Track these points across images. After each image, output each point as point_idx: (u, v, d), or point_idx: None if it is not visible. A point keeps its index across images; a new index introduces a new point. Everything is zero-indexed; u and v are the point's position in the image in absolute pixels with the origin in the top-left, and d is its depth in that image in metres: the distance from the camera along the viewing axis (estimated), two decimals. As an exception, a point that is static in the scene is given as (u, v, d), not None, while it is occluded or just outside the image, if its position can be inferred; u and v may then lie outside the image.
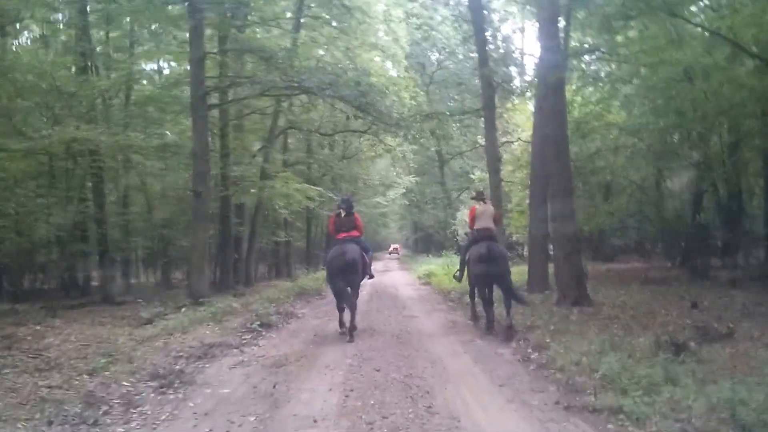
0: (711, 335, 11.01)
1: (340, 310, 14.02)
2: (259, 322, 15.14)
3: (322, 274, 30.47)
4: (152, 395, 8.88)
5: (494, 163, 23.20)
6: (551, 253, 20.01)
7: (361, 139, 36.56)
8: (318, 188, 30.89)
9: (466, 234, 17.60)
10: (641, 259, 35.25)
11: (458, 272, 15.94)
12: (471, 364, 10.48)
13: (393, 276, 37.36)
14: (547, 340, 11.50)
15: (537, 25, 22.56)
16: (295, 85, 20.24)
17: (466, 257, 14.60)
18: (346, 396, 8.54)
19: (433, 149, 45.77)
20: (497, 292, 14.02)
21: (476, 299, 14.99)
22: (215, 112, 25.36)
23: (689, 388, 7.63)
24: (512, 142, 31.00)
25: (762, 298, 15.92)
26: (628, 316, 14.20)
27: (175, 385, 9.36)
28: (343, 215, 14.30)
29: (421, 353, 11.55)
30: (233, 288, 25.00)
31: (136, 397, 8.74)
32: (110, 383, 9.30)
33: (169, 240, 25.48)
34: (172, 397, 8.84)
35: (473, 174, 40.87)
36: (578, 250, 17.54)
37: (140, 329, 14.76)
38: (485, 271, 13.36)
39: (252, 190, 26.75)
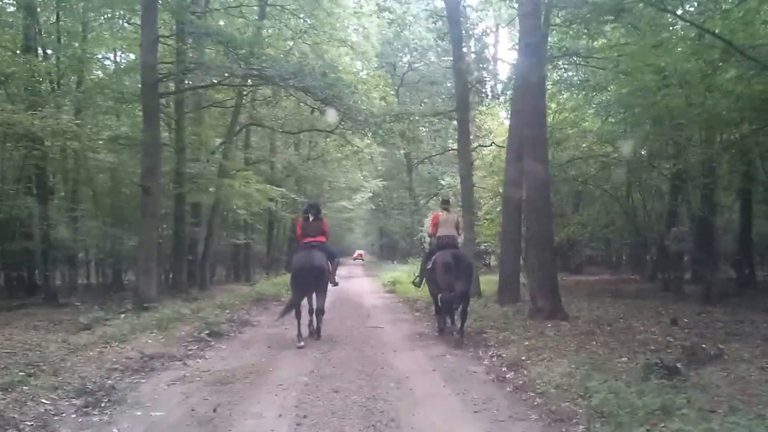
0: (699, 356, 10.05)
1: (298, 316, 13.42)
2: (207, 331, 13.99)
3: (283, 278, 29.75)
4: (73, 416, 7.77)
5: (466, 168, 22.09)
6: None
7: (328, 139, 35.47)
8: (280, 189, 29.75)
9: (429, 244, 16.59)
10: (609, 271, 34.64)
11: (417, 278, 15.63)
12: (441, 385, 9.38)
13: (357, 283, 36.05)
14: (523, 358, 10.67)
15: (516, 21, 21.71)
16: (255, 73, 18.94)
17: (429, 264, 14.18)
18: (298, 424, 7.37)
19: (401, 152, 44.58)
20: None
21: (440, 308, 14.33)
22: (171, 104, 24.16)
23: (690, 419, 6.70)
24: (486, 146, 29.95)
25: (741, 315, 15.30)
26: (605, 332, 13.36)
27: (103, 404, 8.24)
28: (310, 219, 14.10)
29: (386, 370, 10.44)
30: (186, 292, 23.74)
31: (55, 418, 7.67)
32: (27, 400, 8.12)
33: (119, 239, 24.03)
34: (96, 419, 7.70)
35: (443, 180, 39.92)
36: (553, 260, 16.55)
37: (76, 336, 13.40)
38: (451, 278, 12.91)
39: (210, 189, 25.35)
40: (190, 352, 12.19)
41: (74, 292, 24.62)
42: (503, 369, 10.26)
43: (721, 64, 16.93)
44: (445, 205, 14.89)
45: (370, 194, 47.25)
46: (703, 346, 10.59)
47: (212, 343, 13.30)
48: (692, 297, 19.32)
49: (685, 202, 22.90)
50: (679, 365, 8.97)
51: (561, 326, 13.97)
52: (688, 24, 17.56)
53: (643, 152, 23.95)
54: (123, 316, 15.81)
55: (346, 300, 23.95)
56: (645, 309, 16.87)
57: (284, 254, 45.62)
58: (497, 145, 27.86)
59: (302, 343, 12.89)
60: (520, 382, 9.20)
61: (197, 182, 24.61)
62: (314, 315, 13.91)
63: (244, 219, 33.42)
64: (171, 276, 26.12)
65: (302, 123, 33.34)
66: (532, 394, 8.54)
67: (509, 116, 20.70)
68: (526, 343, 11.87)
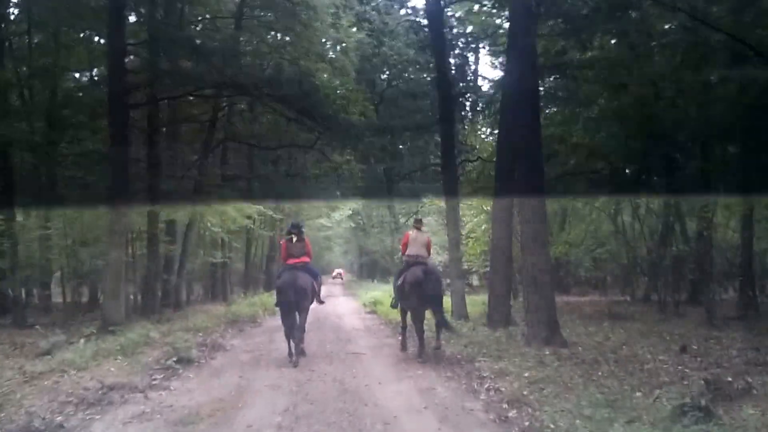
0: (725, 391, 8.89)
1: (289, 338, 13.41)
2: (175, 358, 12.82)
3: (260, 298, 28.52)
4: (7, 463, 6.58)
5: (451, 183, 21.00)
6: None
7: (306, 155, 34.22)
8: (258, 206, 28.50)
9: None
10: (597, 292, 33.44)
11: (394, 300, 15.02)
12: (435, 427, 8.15)
13: (337, 303, 34.68)
14: (525, 393, 9.48)
15: (498, 36, 20.73)
16: (228, 81, 17.73)
17: (399, 282, 14.13)
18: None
19: (382, 168, 43.46)
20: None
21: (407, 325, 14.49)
22: (144, 119, 22.95)
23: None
24: (471, 160, 28.68)
25: (754, 341, 14.08)
26: (610, 361, 12.27)
27: (45, 447, 6.97)
28: (294, 240, 14.10)
29: (371, 408, 9.18)
30: (159, 313, 22.52)
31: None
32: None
33: (90, 258, 22.74)
34: (31, 467, 6.49)
35: (424, 198, 38.75)
36: (551, 281, 15.36)
37: (34, 362, 12.34)
38: (421, 293, 13.07)
39: (184, 206, 24.02)
40: (155, 382, 11.02)
41: (49, 313, 23.56)
42: (504, 406, 9.06)
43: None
44: (417, 224, 15.02)
45: (350, 212, 46.08)
46: (729, 379, 9.42)
47: (180, 371, 12.14)
48: (692, 320, 18.17)
49: (678, 220, 21.86)
50: (702, 401, 7.83)
51: (560, 354, 12.89)
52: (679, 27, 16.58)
53: (633, 169, 23.01)
54: (83, 341, 14.53)
55: (326, 321, 22.74)
56: (647, 334, 15.80)
57: (262, 273, 44.38)
58: (483, 160, 26.65)
59: (293, 360, 12.96)
60: (526, 424, 8.06)
61: (171, 199, 23.29)
62: (295, 333, 13.48)
63: (221, 237, 32.04)
64: (143, 297, 24.68)
65: (281, 139, 32.03)
66: (544, 440, 7.32)
67: (497, 128, 19.49)
68: (526, 374, 10.76)
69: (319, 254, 64.84)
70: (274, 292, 15.78)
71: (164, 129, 24.91)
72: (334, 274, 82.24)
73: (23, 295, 25.15)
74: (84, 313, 22.53)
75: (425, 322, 13.92)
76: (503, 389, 9.92)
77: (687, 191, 20.49)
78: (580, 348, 13.80)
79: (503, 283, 18.46)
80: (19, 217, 22.34)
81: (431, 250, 15.73)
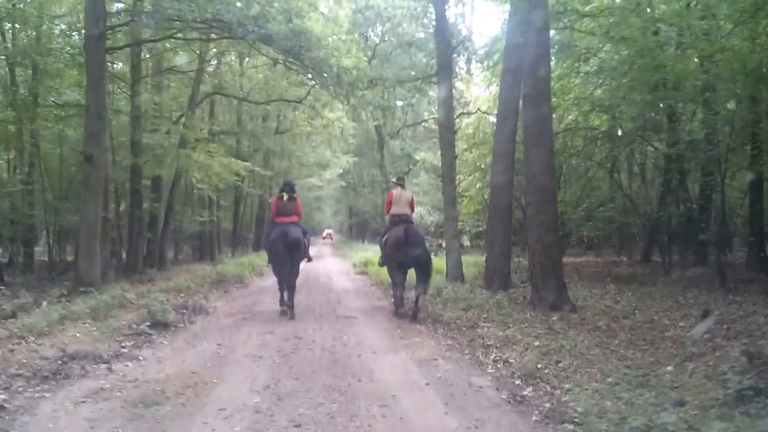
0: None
1: (282, 290, 13.64)
2: (149, 322, 11.43)
3: (249, 259, 27.38)
4: None
5: (448, 137, 19.50)
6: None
7: (296, 111, 32.71)
8: (246, 163, 27.04)
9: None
10: (590, 252, 32.16)
11: (381, 258, 14.92)
12: (442, 411, 6.73)
13: (327, 263, 33.35)
14: (539, 366, 8.23)
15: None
16: (209, 17, 16.14)
17: (383, 240, 14.24)
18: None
19: (374, 124, 42.00)
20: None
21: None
22: (125, 68, 21.44)
23: None
24: (469, 113, 27.10)
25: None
26: (625, 328, 11.06)
27: (-27, 434, 5.76)
28: (285, 199, 13.80)
29: (365, 384, 7.79)
30: (142, 273, 21.22)
31: None
32: None
33: (68, 214, 21.38)
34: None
35: (416, 155, 37.30)
36: (558, 242, 14.03)
37: (-5, 326, 10.87)
38: (403, 253, 13.05)
39: (168, 161, 22.50)
40: (123, 350, 9.64)
41: (32, 272, 22.29)
42: (516, 382, 7.79)
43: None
44: (400, 182, 14.85)
45: (340, 170, 44.58)
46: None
47: (153, 337, 10.79)
48: (700, 282, 16.72)
49: (680, 179, 20.46)
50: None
51: (570, 320, 11.77)
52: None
53: (635, 125, 21.59)
54: (45, 303, 13.10)
55: (315, 282, 21.45)
56: (658, 298, 14.38)
57: (252, 233, 43.01)
58: (482, 113, 25.11)
59: (285, 309, 13.36)
60: (547, 406, 6.74)
61: (154, 153, 21.80)
62: (286, 291, 13.57)
63: (209, 195, 30.59)
64: (126, 256, 23.29)
65: (270, 93, 30.53)
66: (571, 428, 6.04)
67: (501, 77, 17.94)
68: (536, 343, 9.52)
69: (309, 214, 63.64)
70: (263, 252, 15.55)
71: (148, 80, 23.33)
72: (324, 234, 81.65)
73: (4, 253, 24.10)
74: (62, 272, 21.11)
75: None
76: (512, 361, 8.71)
77: (691, 147, 19.13)
78: (589, 313, 12.56)
79: (503, 242, 17.05)
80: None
81: (415, 208, 15.36)
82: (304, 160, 40.22)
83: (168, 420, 6.27)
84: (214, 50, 25.47)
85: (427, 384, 7.75)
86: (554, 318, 11.85)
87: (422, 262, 13.25)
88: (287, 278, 13.38)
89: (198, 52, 23.85)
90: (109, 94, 22.39)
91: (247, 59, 31.55)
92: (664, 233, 20.47)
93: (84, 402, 6.90)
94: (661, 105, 18.72)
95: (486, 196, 26.39)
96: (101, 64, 16.18)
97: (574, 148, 23.19)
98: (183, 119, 24.49)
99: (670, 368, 8.00)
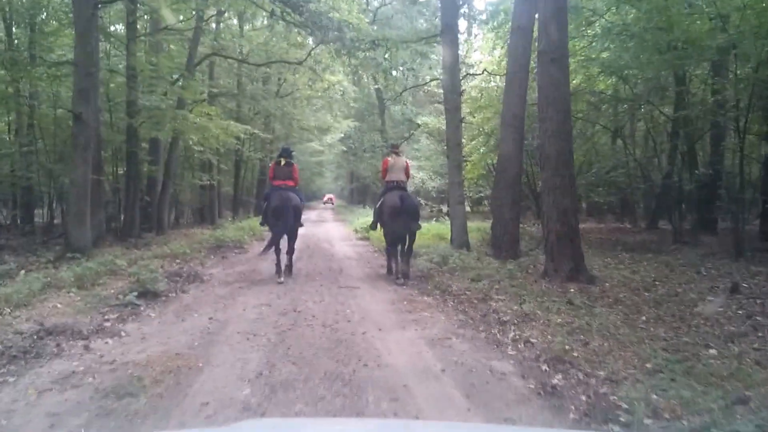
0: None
1: (278, 253, 13.45)
2: (137, 292, 10.40)
3: (249, 223, 26.47)
4: None
5: (453, 99, 18.26)
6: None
7: (297, 74, 31.50)
8: (245, 126, 25.85)
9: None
10: (593, 219, 31.08)
11: (373, 222, 14.88)
12: (463, 405, 5.60)
13: (327, 228, 32.31)
14: (566, 347, 7.19)
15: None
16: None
17: (378, 206, 14.28)
18: None
19: (375, 87, 40.70)
20: None
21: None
22: (120, 27, 20.28)
23: None
24: (476, 74, 25.73)
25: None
26: (649, 302, 9.95)
27: None
28: (282, 164, 13.99)
29: (372, 370, 6.65)
30: (139, 237, 20.15)
31: None
32: None
33: (61, 176, 20.32)
34: None
35: (418, 120, 36.03)
36: (576, 208, 12.88)
37: (-32, 296, 9.83)
38: (398, 220, 13.06)
39: (165, 122, 21.24)
40: (106, 325, 8.61)
41: (32, 233, 21.52)
42: (543, 368, 6.67)
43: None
44: (395, 149, 14.78)
45: (341, 135, 43.33)
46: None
47: (140, 308, 9.82)
48: (714, 250, 15.70)
49: (690, 145, 19.36)
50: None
51: (589, 292, 10.71)
52: None
53: (644, 88, 20.46)
54: (23, 272, 12.02)
55: (316, 248, 20.41)
56: (676, 268, 13.37)
57: (253, 197, 41.91)
58: (489, 73, 23.77)
59: (282, 279, 13.17)
60: (584, 399, 5.65)
61: (151, 114, 20.59)
62: (284, 253, 13.65)
63: (209, 159, 29.38)
64: (122, 219, 22.18)
65: (270, 56, 29.29)
66: (618, 429, 4.98)
67: (509, 35, 16.76)
68: (558, 320, 8.53)
69: (310, 179, 62.88)
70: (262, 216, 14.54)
71: (144, 40, 22.13)
72: (324, 199, 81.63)
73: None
74: (59, 236, 19.94)
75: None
76: (534, 341, 7.65)
77: (702, 111, 18.05)
78: (607, 284, 11.47)
79: (511, 208, 15.94)
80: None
81: (410, 174, 15.11)
82: (305, 123, 38.99)
83: (140, 417, 5.16)
84: (213, 10, 24.26)
85: (443, 370, 6.62)
86: (572, 290, 10.84)
87: (411, 232, 13.27)
88: (283, 241, 13.43)
89: (194, 10, 22.59)
90: (105, 54, 21.33)
91: (247, 24, 30.49)
92: (674, 200, 19.41)
93: (50, 390, 5.86)
94: (672, 67, 17.47)
95: (490, 161, 25.34)
96: (90, 19, 14.94)
97: (580, 111, 21.96)
98: (180, 81, 23.26)
99: (713, 351, 6.96)
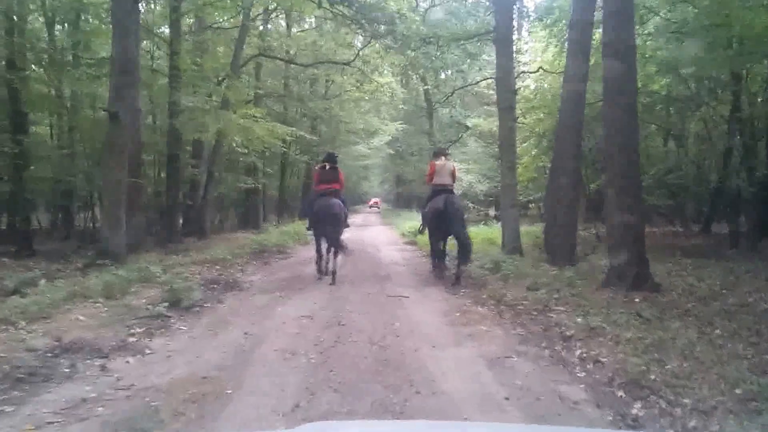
0: None
1: (320, 255, 13.83)
2: (168, 303, 9.57)
3: (293, 227, 25.83)
4: None
5: (508, 98, 17.19)
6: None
7: (344, 76, 30.64)
8: (290, 128, 24.99)
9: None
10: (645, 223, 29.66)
11: (421, 226, 15.47)
12: None
13: (373, 232, 31.38)
14: (642, 367, 6.24)
15: None
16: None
17: (426, 210, 14.27)
18: None
19: (424, 88, 39.68)
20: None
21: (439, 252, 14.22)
22: (166, 29, 19.62)
23: None
24: (530, 72, 24.58)
25: None
26: (720, 312, 8.90)
27: None
28: (327, 168, 14.04)
29: (426, 398, 5.62)
30: (180, 242, 19.45)
31: None
32: None
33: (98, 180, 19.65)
34: None
35: (468, 122, 34.92)
36: (641, 210, 11.74)
37: (-8, 305, 9.04)
38: (441, 223, 13.11)
39: (208, 124, 20.37)
40: (130, 340, 7.76)
41: (69, 237, 21.10)
42: (619, 394, 5.74)
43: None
44: (443, 153, 14.98)
45: (389, 138, 42.26)
46: None
47: (171, 321, 8.96)
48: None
49: (749, 146, 18.19)
50: None
51: (656, 302, 9.66)
52: None
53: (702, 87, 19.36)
54: (43, 281, 11.00)
55: (361, 253, 19.46)
56: (742, 275, 12.25)
57: (298, 200, 41.10)
58: (545, 71, 22.58)
59: (321, 276, 13.54)
60: None
61: (194, 116, 19.78)
62: (330, 255, 13.65)
63: (253, 162, 28.59)
64: (164, 224, 21.42)
65: (318, 56, 28.44)
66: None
67: (568, 29, 15.70)
68: (628, 335, 7.49)
69: (356, 183, 62.79)
70: (304, 220, 15.34)
71: (189, 39, 21.38)
72: (370, 203, 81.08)
73: (37, 220, 22.51)
74: (94, 242, 19.17)
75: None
76: (604, 360, 6.68)
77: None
78: (673, 293, 10.42)
79: (568, 211, 14.83)
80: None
81: (456, 178, 14.99)
82: (352, 126, 38.18)
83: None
84: (260, 9, 23.50)
85: (507, 398, 5.61)
86: (637, 299, 9.79)
87: (460, 233, 12.94)
88: (331, 245, 13.44)
89: (240, 8, 21.79)
90: (148, 54, 20.67)
91: (295, 26, 29.77)
92: (732, 203, 18.24)
93: (51, 424, 4.98)
94: (731, 65, 16.32)
95: (541, 164, 24.27)
96: (128, 12, 14.22)
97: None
98: (225, 82, 22.45)
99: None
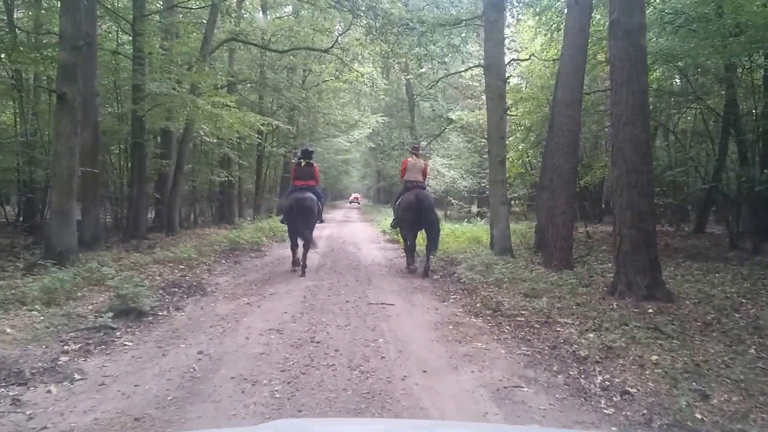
0: None
1: (294, 248, 14.39)
2: (113, 312, 8.19)
3: (269, 223, 25.25)
4: None
5: (497, 86, 15.97)
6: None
7: (323, 65, 29.21)
8: (262, 117, 23.57)
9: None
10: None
11: (394, 220, 15.90)
12: None
13: (353, 229, 29.95)
14: (683, 402, 5.25)
15: None
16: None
17: (396, 204, 14.96)
18: None
19: (406, 78, 38.33)
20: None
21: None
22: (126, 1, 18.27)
23: None
24: (521, 60, 23.18)
25: None
26: (746, 327, 7.90)
27: None
28: (303, 164, 14.40)
29: None
30: (143, 238, 18.02)
31: None
32: None
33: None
34: None
35: (452, 115, 33.67)
36: (653, 210, 10.50)
37: None
38: (413, 214, 13.63)
39: (176, 111, 18.97)
40: (61, 360, 6.48)
41: (32, 232, 19.13)
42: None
43: None
44: (415, 151, 15.18)
45: (369, 130, 40.80)
46: None
47: (116, 335, 7.68)
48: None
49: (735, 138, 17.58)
50: None
51: (672, 314, 8.61)
52: None
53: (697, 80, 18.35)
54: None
55: (341, 252, 18.24)
56: (758, 281, 11.23)
57: (275, 195, 39.65)
58: (538, 58, 21.25)
59: (297, 268, 13.83)
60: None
61: (159, 101, 18.24)
62: (301, 248, 14.06)
63: (226, 154, 27.13)
64: (127, 218, 19.90)
65: (294, 42, 26.93)
66: None
67: (567, 9, 14.47)
68: (653, 356, 6.48)
69: (336, 178, 61.58)
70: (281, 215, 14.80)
71: (156, 20, 19.92)
72: (350, 198, 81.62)
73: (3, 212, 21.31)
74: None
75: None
76: (632, 390, 5.59)
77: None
78: (689, 303, 9.32)
79: (565, 210, 13.59)
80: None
81: (428, 175, 15.58)
82: (331, 118, 36.56)
83: None
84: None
85: (526, 452, 4.36)
86: (650, 310, 8.73)
87: (430, 224, 13.64)
88: (302, 238, 13.71)
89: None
90: (108, 33, 19.41)
91: (270, 12, 28.45)
92: (731, 202, 17.20)
93: None
94: (721, 56, 15.22)
95: (527, 159, 23.15)
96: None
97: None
98: (195, 68, 20.98)
99: None
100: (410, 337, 7.88)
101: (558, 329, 7.85)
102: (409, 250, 14.53)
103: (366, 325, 8.53)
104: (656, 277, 9.65)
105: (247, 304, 9.81)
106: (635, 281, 9.53)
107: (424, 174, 14.52)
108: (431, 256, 13.96)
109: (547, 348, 7.18)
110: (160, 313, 8.92)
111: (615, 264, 10.27)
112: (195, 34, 23.26)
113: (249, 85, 30.51)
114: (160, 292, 10.29)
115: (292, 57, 28.36)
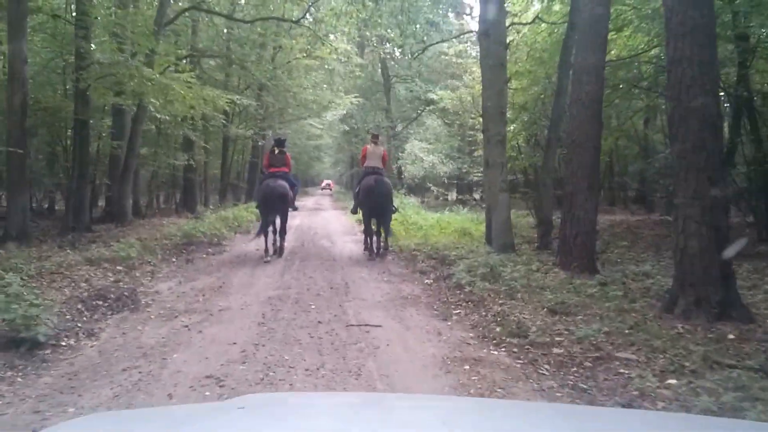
0: None
1: (266, 235, 13.81)
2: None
3: (235, 212, 22.72)
4: None
5: (498, 52, 13.28)
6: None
7: (294, 40, 26.65)
8: (231, 94, 21.09)
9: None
10: (617, 209, 27.46)
11: (353, 207, 16.01)
12: None
13: (326, 217, 27.27)
14: None
15: None
16: None
17: (357, 190, 15.10)
18: None
19: (382, 56, 36.32)
20: None
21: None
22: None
23: None
24: (523, 24, 20.32)
25: None
26: None
27: None
28: (276, 152, 14.50)
29: None
30: (87, 230, 15.80)
31: None
32: None
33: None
34: None
35: (432, 94, 31.39)
36: (726, 204, 8.00)
37: None
38: (372, 199, 13.79)
39: (122, 82, 16.23)
40: None
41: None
42: None
43: None
44: (374, 139, 15.32)
45: (343, 112, 38.32)
46: None
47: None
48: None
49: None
50: None
51: (754, 338, 6.37)
52: None
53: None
54: None
55: (312, 248, 15.87)
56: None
57: (243, 181, 37.19)
58: (543, 21, 18.21)
59: (269, 258, 13.45)
60: None
61: (106, 73, 15.65)
62: (277, 235, 14.13)
63: (186, 135, 24.60)
64: (68, 208, 17.32)
65: (261, 12, 24.35)
66: None
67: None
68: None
69: (308, 164, 62.68)
70: (254, 202, 14.48)
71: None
72: (322, 185, 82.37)
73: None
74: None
75: None
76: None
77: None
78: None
79: (586, 201, 10.98)
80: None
81: (387, 162, 15.78)
82: (302, 98, 34.02)
83: None
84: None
85: None
86: (730, 336, 6.33)
87: (383, 211, 13.92)
88: (274, 225, 13.81)
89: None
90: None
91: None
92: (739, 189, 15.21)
93: None
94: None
95: (521, 141, 20.77)
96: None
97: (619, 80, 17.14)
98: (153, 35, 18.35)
99: None
100: (409, 384, 5.38)
101: (621, 370, 5.45)
102: (368, 233, 14.47)
103: (346, 366, 5.90)
104: (731, 290, 7.18)
105: (186, 327, 7.24)
106: (705, 297, 7.04)
107: (384, 161, 14.80)
108: (390, 237, 14.86)
109: (617, 406, 4.73)
110: (63, 344, 6.40)
111: (677, 271, 7.61)
112: (155, 3, 20.71)
113: (213, 62, 28.31)
114: (78, 306, 7.82)
115: (260, 30, 25.73)
